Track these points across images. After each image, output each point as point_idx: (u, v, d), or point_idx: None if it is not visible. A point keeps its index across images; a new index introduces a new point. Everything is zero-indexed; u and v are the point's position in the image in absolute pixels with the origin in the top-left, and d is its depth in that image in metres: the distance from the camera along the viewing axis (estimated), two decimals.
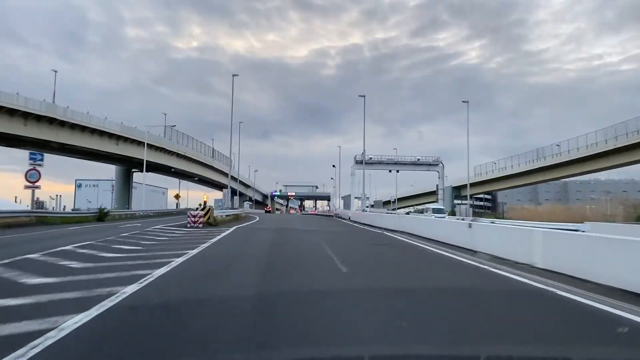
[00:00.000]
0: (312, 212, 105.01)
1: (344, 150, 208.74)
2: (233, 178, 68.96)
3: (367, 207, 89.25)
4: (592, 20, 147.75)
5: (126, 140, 47.00)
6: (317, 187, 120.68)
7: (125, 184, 56.54)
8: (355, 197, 59.32)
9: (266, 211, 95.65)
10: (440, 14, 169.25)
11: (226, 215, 32.30)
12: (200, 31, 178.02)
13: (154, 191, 64.20)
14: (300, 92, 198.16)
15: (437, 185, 64.80)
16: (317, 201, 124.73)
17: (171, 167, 55.07)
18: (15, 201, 69.47)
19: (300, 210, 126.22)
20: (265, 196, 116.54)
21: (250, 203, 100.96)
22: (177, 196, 61.13)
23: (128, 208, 49.08)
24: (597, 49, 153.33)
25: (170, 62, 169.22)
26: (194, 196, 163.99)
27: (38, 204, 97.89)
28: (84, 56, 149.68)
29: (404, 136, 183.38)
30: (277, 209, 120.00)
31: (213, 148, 66.50)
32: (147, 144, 49.66)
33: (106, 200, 49.44)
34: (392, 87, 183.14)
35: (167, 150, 52.69)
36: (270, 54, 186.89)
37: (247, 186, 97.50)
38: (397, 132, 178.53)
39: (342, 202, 73.92)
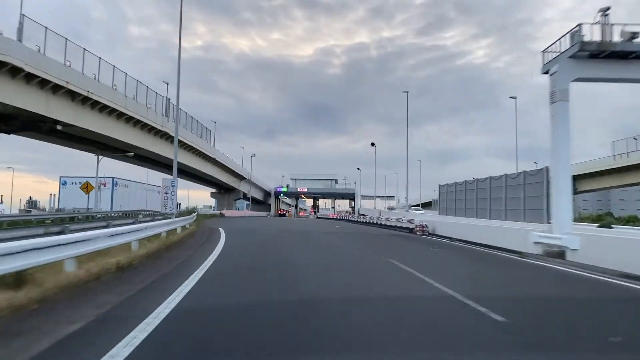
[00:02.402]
0: (334, 216, 77.14)
1: (346, 151, 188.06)
2: (191, 151, 35.72)
3: (410, 209, 60.77)
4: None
5: None
6: (336, 182, 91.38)
7: None
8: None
9: (279, 214, 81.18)
10: (446, 12, 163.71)
11: None
12: (205, 30, 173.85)
13: (149, 190, 57.33)
14: (306, 91, 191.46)
15: None
16: (337, 200, 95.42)
17: (55, 121, 25.54)
18: (2, 202, 65.14)
19: (314, 213, 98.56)
20: (267, 193, 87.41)
21: (247, 202, 74.01)
22: (86, 187, 31.98)
23: None
24: None
25: (174, 60, 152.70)
26: (197, 196, 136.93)
27: (30, 203, 76.26)
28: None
29: (409, 135, 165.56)
30: (286, 211, 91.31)
31: (168, 99, 36.46)
32: None
33: (91, 199, 36.75)
34: (397, 86, 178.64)
35: (35, 75, 23.09)
36: (275, 52, 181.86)
37: (240, 178, 68.64)
38: (402, 132, 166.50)
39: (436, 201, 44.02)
